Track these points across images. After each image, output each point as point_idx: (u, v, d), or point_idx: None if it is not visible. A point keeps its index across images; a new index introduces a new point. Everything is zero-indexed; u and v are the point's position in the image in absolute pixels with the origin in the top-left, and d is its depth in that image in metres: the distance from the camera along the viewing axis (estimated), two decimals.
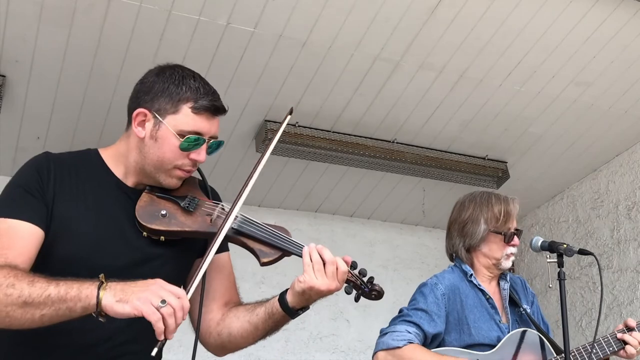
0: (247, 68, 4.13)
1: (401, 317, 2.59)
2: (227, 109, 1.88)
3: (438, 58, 4.17)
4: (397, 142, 4.89)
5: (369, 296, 1.81)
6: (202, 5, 3.70)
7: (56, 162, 1.80)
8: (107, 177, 1.83)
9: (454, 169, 5.04)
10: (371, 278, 1.84)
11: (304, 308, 1.82)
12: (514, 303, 2.75)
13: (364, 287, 1.80)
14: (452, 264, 2.82)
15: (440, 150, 5.01)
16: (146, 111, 1.80)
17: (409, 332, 2.49)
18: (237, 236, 1.80)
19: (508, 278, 2.78)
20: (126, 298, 1.53)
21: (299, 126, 4.64)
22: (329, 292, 1.77)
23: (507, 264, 2.72)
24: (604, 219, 5.22)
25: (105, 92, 4.22)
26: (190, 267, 1.86)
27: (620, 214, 5.09)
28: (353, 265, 1.84)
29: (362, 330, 5.56)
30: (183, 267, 1.80)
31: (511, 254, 2.71)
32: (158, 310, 1.51)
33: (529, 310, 2.74)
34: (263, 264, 1.81)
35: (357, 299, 1.82)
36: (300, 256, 1.81)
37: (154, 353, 1.54)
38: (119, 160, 1.84)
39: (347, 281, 1.80)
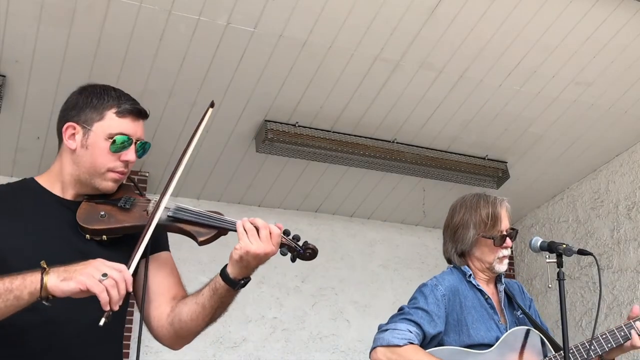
0: (247, 68, 4.13)
1: (402, 314, 2.59)
2: (148, 113, 1.99)
3: (438, 58, 4.17)
4: (397, 142, 4.89)
5: (304, 256, 1.92)
6: (202, 5, 3.71)
7: None
8: (46, 197, 1.93)
9: (454, 169, 5.04)
10: (306, 241, 1.95)
11: (245, 279, 1.88)
12: (511, 306, 2.75)
13: (298, 249, 1.91)
14: (451, 265, 2.82)
15: (440, 150, 5.01)
16: (74, 124, 1.91)
17: (410, 332, 2.49)
18: (173, 223, 1.90)
19: (503, 281, 2.78)
20: (70, 276, 1.62)
21: (299, 126, 4.64)
22: (266, 256, 1.85)
23: (500, 267, 2.68)
24: (604, 219, 5.23)
25: None
26: (136, 268, 1.91)
27: (620, 214, 5.09)
28: (286, 232, 1.93)
29: (362, 330, 5.56)
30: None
31: (504, 256, 2.67)
32: (101, 283, 1.60)
33: (527, 311, 2.74)
34: (201, 243, 1.89)
35: (293, 260, 1.93)
36: (235, 231, 1.88)
37: (101, 323, 1.61)
38: (55, 180, 1.95)
39: (282, 245, 1.90)
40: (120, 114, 1.91)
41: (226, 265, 1.89)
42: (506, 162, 5.19)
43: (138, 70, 4.09)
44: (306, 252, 1.92)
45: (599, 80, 4.39)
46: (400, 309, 2.64)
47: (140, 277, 1.93)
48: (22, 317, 1.68)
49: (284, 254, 1.92)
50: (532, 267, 5.77)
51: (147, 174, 5.03)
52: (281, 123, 4.61)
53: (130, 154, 1.92)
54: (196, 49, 3.96)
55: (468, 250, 2.72)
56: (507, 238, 2.68)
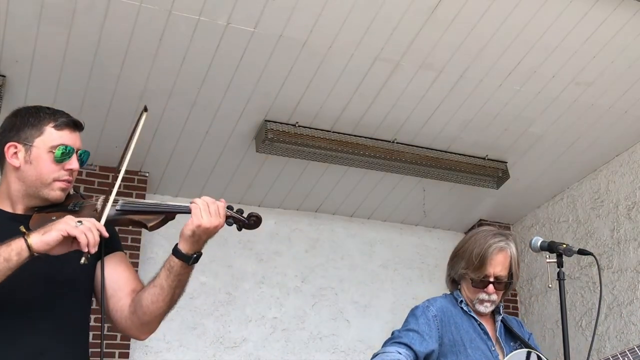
0: (247, 68, 4.13)
1: (392, 339, 2.61)
2: (83, 124, 2.12)
3: (438, 58, 4.17)
4: (397, 142, 4.89)
5: (249, 224, 2.01)
6: (202, 5, 3.71)
7: None
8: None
9: (454, 169, 5.04)
10: (250, 212, 2.04)
11: (197, 254, 1.98)
12: (509, 337, 2.74)
13: (243, 219, 2.01)
14: (446, 292, 2.83)
15: (440, 150, 5.01)
16: (15, 143, 2.01)
17: (399, 353, 2.50)
18: (123, 216, 2.01)
19: (501, 312, 2.76)
20: (49, 229, 1.77)
21: (299, 126, 4.64)
22: (215, 229, 1.96)
23: (481, 308, 2.63)
24: (604, 219, 5.23)
25: (105, 92, 4.22)
26: (94, 269, 2.06)
27: (620, 214, 5.09)
28: (230, 207, 2.04)
29: (362, 330, 5.57)
30: (85, 266, 1.93)
31: (484, 300, 2.62)
32: (78, 227, 1.78)
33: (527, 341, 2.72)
34: (150, 228, 2.01)
35: (239, 229, 2.03)
36: (183, 212, 2.02)
37: (82, 261, 1.76)
38: (3, 198, 2.04)
39: (227, 217, 2.00)
40: (58, 127, 2.04)
41: (177, 243, 1.99)
42: (506, 162, 5.19)
43: (138, 70, 4.09)
44: (250, 220, 2.01)
45: (599, 80, 4.39)
46: (392, 333, 2.65)
47: (98, 278, 2.03)
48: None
49: (229, 224, 2.01)
50: (532, 267, 5.77)
51: (147, 174, 5.03)
52: (281, 123, 4.61)
53: (73, 163, 2.02)
54: (196, 49, 3.96)
55: (458, 281, 2.73)
56: (490, 285, 2.61)
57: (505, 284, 2.66)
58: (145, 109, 2.16)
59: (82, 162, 2.06)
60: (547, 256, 2.54)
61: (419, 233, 6.04)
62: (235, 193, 5.36)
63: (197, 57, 4.03)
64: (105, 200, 1.97)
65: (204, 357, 5.13)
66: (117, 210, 1.99)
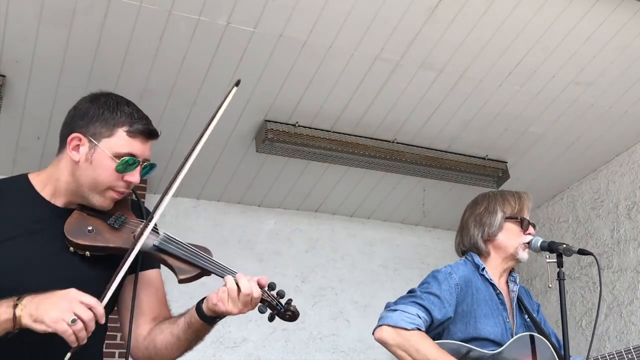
0: (247, 68, 4.13)
1: (413, 297, 2.55)
2: (159, 133, 1.94)
3: (438, 58, 4.17)
4: (397, 142, 4.89)
5: (283, 316, 1.85)
6: (202, 5, 3.71)
7: None
8: (35, 200, 1.88)
9: (454, 169, 5.04)
10: (289, 300, 1.86)
11: (221, 316, 1.85)
12: (520, 309, 2.75)
13: (279, 308, 1.84)
14: (464, 258, 2.81)
15: (440, 150, 5.01)
16: (81, 135, 1.85)
17: (419, 317, 2.46)
18: (158, 253, 1.85)
19: (518, 281, 2.78)
20: (41, 317, 1.60)
21: (299, 126, 4.64)
22: (240, 313, 1.83)
23: (523, 255, 2.73)
24: (604, 219, 5.22)
25: None
26: (121, 284, 1.90)
27: (620, 214, 5.09)
28: (271, 286, 1.86)
29: (362, 330, 5.56)
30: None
31: (527, 244, 2.72)
32: (70, 327, 1.60)
33: (535, 317, 2.73)
34: (180, 281, 1.84)
35: (270, 319, 1.87)
36: (219, 275, 1.84)
37: (66, 358, 1.62)
38: (48, 183, 1.90)
39: (262, 301, 1.85)
40: (131, 133, 1.86)
41: (202, 299, 1.86)
42: (506, 162, 5.19)
43: (138, 70, 4.09)
44: (286, 314, 1.86)
45: (599, 80, 4.39)
46: (411, 291, 2.61)
47: (124, 294, 1.91)
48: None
49: (261, 312, 1.86)
50: (532, 267, 5.77)
51: None
52: (281, 123, 4.61)
53: (135, 176, 1.87)
54: (196, 49, 3.96)
55: (493, 236, 2.72)
56: (531, 226, 2.75)
57: (534, 227, 2.81)
58: (237, 84, 2.00)
59: (145, 175, 1.92)
60: (547, 256, 2.56)
61: (419, 233, 6.05)
62: (235, 193, 5.36)
63: (197, 57, 4.03)
64: (140, 233, 1.79)
65: (204, 357, 5.12)
66: (154, 245, 1.84)
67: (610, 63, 4.24)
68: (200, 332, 1.87)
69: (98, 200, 1.86)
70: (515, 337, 2.60)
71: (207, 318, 1.83)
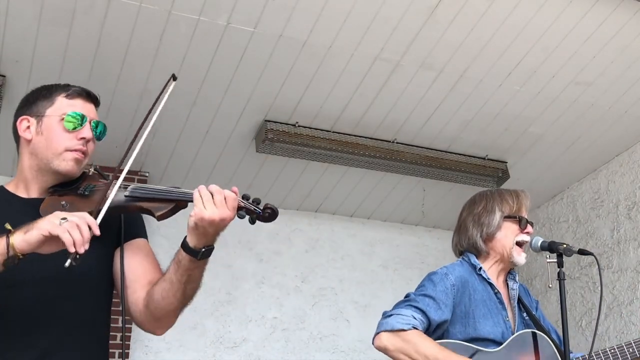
0: (247, 68, 4.13)
1: (408, 301, 2.57)
2: (98, 97, 2.04)
3: (438, 58, 4.17)
4: (397, 142, 4.89)
5: (263, 217, 1.89)
6: (202, 5, 3.70)
7: None
8: (12, 201, 1.94)
9: (454, 169, 5.04)
10: (266, 203, 1.93)
11: (207, 247, 1.83)
12: (519, 306, 2.75)
13: (257, 211, 1.88)
14: (460, 258, 2.81)
15: (440, 150, 5.01)
16: (27, 117, 1.98)
17: (415, 318, 2.47)
18: (133, 203, 1.89)
19: (517, 279, 2.78)
20: (32, 227, 1.66)
21: (299, 126, 4.64)
22: (222, 221, 1.80)
23: (519, 258, 2.71)
24: (604, 219, 5.22)
25: (105, 92, 4.20)
26: (112, 258, 1.95)
27: (620, 214, 5.09)
28: (245, 197, 1.91)
29: (362, 330, 5.56)
30: (103, 256, 1.89)
31: (524, 241, 2.72)
32: (61, 226, 1.64)
33: (534, 314, 2.73)
34: (159, 218, 1.87)
35: (252, 222, 1.91)
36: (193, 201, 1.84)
37: (66, 264, 1.62)
38: (19, 181, 1.98)
39: (239, 208, 1.87)
40: (69, 96, 1.97)
41: (186, 236, 1.86)
42: (506, 162, 5.19)
43: (138, 70, 4.09)
44: (265, 212, 1.89)
45: (599, 80, 4.39)
46: (407, 295, 2.63)
47: (117, 266, 1.93)
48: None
49: (241, 217, 1.88)
50: (532, 267, 5.76)
51: (147, 174, 5.03)
52: (281, 123, 4.61)
53: (85, 131, 1.94)
54: (196, 49, 3.96)
55: (492, 235, 2.72)
56: (529, 225, 2.76)
57: (532, 225, 2.81)
58: (174, 78, 2.11)
59: (97, 134, 1.98)
60: (547, 256, 2.55)
61: (419, 233, 6.04)
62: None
63: (197, 57, 4.03)
64: (109, 187, 1.85)
65: (204, 357, 5.12)
66: (125, 196, 1.88)
67: (610, 63, 4.24)
68: (192, 271, 1.84)
69: (60, 165, 1.92)
70: (516, 334, 2.60)
71: (192, 250, 1.81)
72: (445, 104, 4.55)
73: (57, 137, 1.92)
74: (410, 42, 4.04)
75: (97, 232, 1.67)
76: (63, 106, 1.95)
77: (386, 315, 2.56)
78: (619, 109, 4.65)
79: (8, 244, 1.65)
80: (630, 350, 2.58)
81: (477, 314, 2.59)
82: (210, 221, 1.78)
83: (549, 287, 2.98)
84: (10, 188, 1.98)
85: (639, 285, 4.88)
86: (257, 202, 1.91)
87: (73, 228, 1.63)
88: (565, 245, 2.51)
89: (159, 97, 2.03)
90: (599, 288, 4.42)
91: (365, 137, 4.82)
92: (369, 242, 5.89)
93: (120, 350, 5.08)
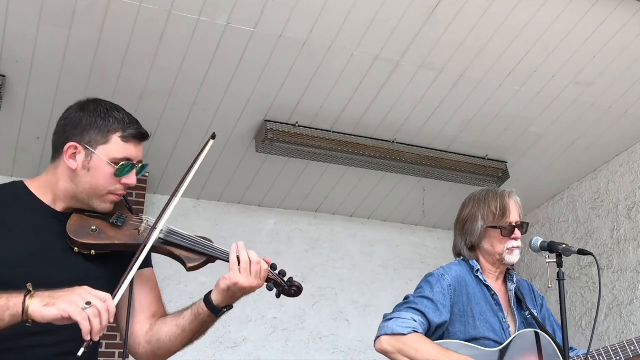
0: (247, 68, 4.13)
1: (407, 304, 2.58)
2: (150, 135, 2.00)
3: (438, 58, 4.17)
4: (397, 142, 4.89)
5: (289, 292, 1.94)
6: (202, 5, 3.71)
7: None
8: (35, 205, 1.91)
9: (454, 169, 5.04)
10: (290, 277, 1.97)
11: (228, 307, 1.92)
12: (521, 306, 2.74)
13: (284, 285, 1.93)
14: (458, 258, 2.80)
15: (440, 150, 5.01)
16: (76, 144, 1.89)
17: (415, 321, 2.48)
18: (164, 246, 1.91)
19: (515, 280, 2.77)
20: (53, 302, 1.61)
21: (299, 126, 4.64)
22: (252, 290, 1.88)
23: (511, 258, 2.67)
24: (604, 219, 5.23)
25: (105, 92, 4.22)
26: (118, 281, 1.91)
27: (620, 214, 5.09)
28: (273, 267, 1.96)
29: (362, 330, 5.57)
30: (115, 282, 1.87)
31: (514, 247, 2.67)
32: (84, 312, 1.59)
33: (535, 314, 2.73)
34: (189, 269, 1.91)
35: (278, 296, 1.96)
36: (225, 260, 1.91)
37: (80, 353, 1.60)
38: (47, 189, 1.94)
39: (268, 279, 1.93)
40: (125, 138, 1.90)
41: (210, 291, 1.91)
42: (506, 162, 5.19)
43: (138, 70, 4.09)
44: (291, 289, 1.94)
45: (599, 80, 4.39)
46: (406, 298, 2.63)
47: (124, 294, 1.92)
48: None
49: (270, 289, 1.94)
50: (532, 267, 5.77)
51: (147, 174, 5.03)
52: (281, 123, 4.61)
53: (131, 178, 1.92)
54: (196, 49, 3.96)
55: (477, 243, 2.71)
56: (517, 229, 2.68)
57: (526, 226, 2.74)
58: (214, 137, 2.05)
59: (139, 174, 1.97)
60: (547, 256, 2.55)
61: (419, 233, 6.05)
62: (235, 193, 5.36)
63: (197, 57, 4.03)
64: (152, 230, 1.84)
65: (204, 357, 5.12)
66: (160, 238, 1.90)
67: (610, 63, 4.24)
68: (206, 323, 1.91)
69: (99, 205, 1.91)
70: (517, 334, 2.60)
71: (215, 308, 1.88)
72: (445, 104, 4.55)
73: (103, 180, 1.89)
74: (410, 42, 4.04)
75: (112, 320, 1.66)
76: (117, 150, 1.89)
77: (386, 318, 2.57)
78: (619, 109, 4.65)
79: (24, 309, 1.61)
80: (632, 348, 2.58)
81: (476, 313, 2.59)
82: (242, 288, 1.87)
83: (548, 287, 2.98)
84: (36, 191, 1.94)
85: (639, 285, 4.88)
86: (283, 274, 1.97)
87: (95, 317, 1.60)
88: (564, 246, 2.51)
89: (198, 156, 1.99)
90: (599, 288, 4.42)
91: (365, 137, 4.82)
92: (369, 242, 5.89)
93: (121, 350, 5.08)
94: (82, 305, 1.60)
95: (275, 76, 4.23)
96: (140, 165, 1.96)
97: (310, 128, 4.68)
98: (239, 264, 1.87)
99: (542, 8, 3.86)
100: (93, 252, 1.87)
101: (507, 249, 2.66)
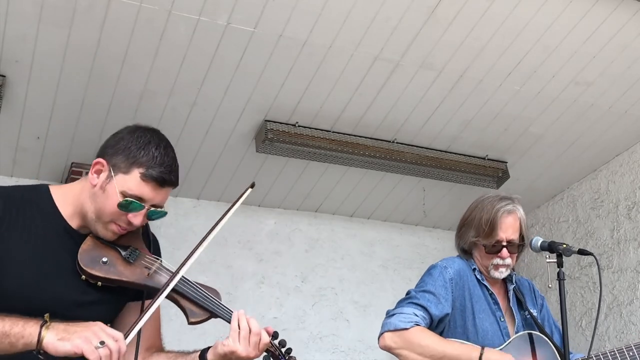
0: (247, 68, 4.13)
1: (409, 299, 2.58)
2: (177, 183, 1.94)
3: (438, 58, 4.17)
4: (397, 142, 4.89)
5: None
6: (202, 5, 3.70)
7: (4, 199, 1.86)
8: (54, 217, 1.90)
9: (454, 169, 5.04)
10: (289, 349, 1.98)
11: None
12: (521, 306, 2.74)
13: (281, 358, 1.94)
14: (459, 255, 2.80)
15: (440, 150, 5.01)
16: (104, 162, 1.89)
17: (416, 315, 2.48)
18: (173, 294, 1.90)
19: (514, 280, 2.76)
20: (68, 337, 1.63)
21: (299, 126, 4.64)
22: (248, 358, 1.88)
23: (497, 274, 2.63)
24: (604, 219, 5.22)
25: (105, 92, 4.22)
26: (120, 310, 1.96)
27: (620, 214, 5.09)
28: (274, 336, 1.97)
29: (362, 330, 5.56)
30: (116, 310, 1.90)
31: (499, 265, 2.63)
32: (97, 351, 1.62)
33: (535, 314, 2.73)
34: (190, 323, 1.92)
35: None
36: (227, 321, 1.91)
37: None
38: (69, 200, 1.92)
39: (267, 350, 1.93)
40: (144, 177, 1.87)
41: (207, 348, 1.92)
42: (506, 162, 5.19)
43: (138, 70, 4.09)
44: None
45: (599, 80, 4.39)
46: (408, 293, 2.63)
47: (122, 318, 1.94)
48: None
49: (265, 359, 1.96)
50: (532, 267, 5.76)
51: None
52: (281, 123, 4.61)
53: (137, 218, 1.88)
54: (196, 49, 3.96)
55: (469, 250, 2.72)
56: (504, 249, 2.62)
57: (518, 247, 2.66)
58: (252, 186, 2.04)
59: (153, 218, 1.93)
60: (547, 256, 2.55)
61: (419, 233, 6.04)
62: (235, 193, 5.33)
63: (197, 57, 4.03)
64: (170, 281, 1.83)
65: None
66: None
67: (610, 63, 4.24)
68: None
69: (100, 231, 1.89)
70: (516, 335, 2.60)
71: None
72: (445, 104, 4.55)
73: (109, 207, 1.86)
74: (410, 42, 4.04)
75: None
76: (132, 185, 1.86)
77: (389, 314, 2.57)
78: (619, 109, 4.65)
79: (39, 339, 1.63)
80: (631, 354, 2.57)
81: (476, 309, 2.59)
82: (238, 357, 1.87)
83: (549, 287, 2.98)
84: (58, 200, 1.92)
85: (639, 285, 4.88)
86: (282, 345, 1.98)
87: (106, 357, 1.63)
88: (565, 245, 2.51)
89: (235, 203, 2.03)
90: (599, 288, 4.42)
91: (365, 137, 4.82)
92: (369, 242, 5.89)
93: None
94: (95, 344, 1.62)
95: (275, 76, 4.23)
96: (153, 209, 1.90)
97: (310, 128, 4.68)
98: (238, 334, 1.86)
99: (542, 8, 3.85)
100: (99, 283, 1.86)
101: (493, 264, 2.64)
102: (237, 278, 5.37)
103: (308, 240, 5.71)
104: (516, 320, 2.67)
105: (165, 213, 1.94)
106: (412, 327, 2.46)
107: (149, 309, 1.80)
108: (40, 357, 1.63)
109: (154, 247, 2.04)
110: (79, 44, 3.87)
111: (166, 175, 1.89)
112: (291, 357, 1.95)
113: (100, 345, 1.62)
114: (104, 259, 1.85)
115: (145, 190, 1.86)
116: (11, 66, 4.00)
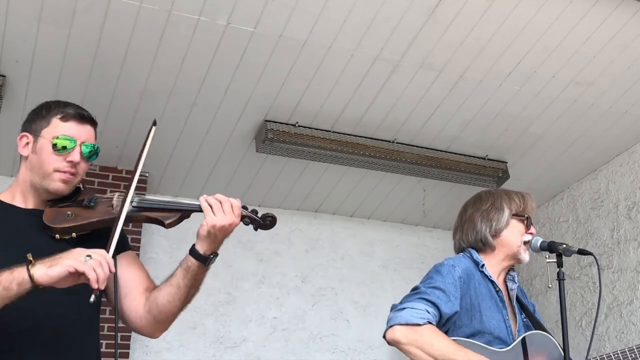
0: (247, 68, 4.13)
1: (418, 294, 2.50)
2: (95, 122, 2.11)
3: (438, 58, 4.17)
4: (397, 142, 4.89)
5: (264, 224, 2.03)
6: (202, 5, 3.71)
7: None
8: (8, 212, 2.01)
9: (454, 169, 5.04)
10: (265, 213, 2.08)
11: (214, 254, 2.01)
12: (521, 307, 2.74)
13: (258, 220, 2.04)
14: (462, 253, 2.79)
15: (440, 150, 5.01)
16: (27, 133, 2.10)
17: (428, 312, 2.43)
18: (140, 213, 2.04)
19: (517, 280, 2.78)
20: (56, 262, 1.71)
21: (299, 126, 4.64)
22: (230, 227, 1.99)
23: (525, 256, 2.74)
24: (604, 219, 5.22)
25: (105, 92, 4.22)
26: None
27: (620, 214, 5.09)
28: (245, 207, 2.08)
29: (362, 330, 5.57)
30: None
31: (527, 242, 2.73)
32: (86, 263, 1.71)
33: (535, 316, 2.73)
34: (168, 226, 2.04)
35: (255, 229, 2.06)
36: (198, 211, 2.06)
37: (91, 300, 1.70)
38: (16, 191, 2.07)
39: (242, 217, 2.04)
40: (64, 118, 2.04)
41: (194, 244, 2.02)
42: (506, 162, 5.19)
43: (138, 70, 4.09)
44: (266, 220, 2.04)
45: (599, 80, 4.39)
46: (415, 288, 2.56)
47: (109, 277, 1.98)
48: (6, 320, 1.77)
49: (246, 224, 2.04)
50: (532, 267, 5.77)
51: (147, 174, 5.03)
52: (281, 123, 4.61)
53: (73, 155, 2.01)
54: (196, 49, 3.96)
55: (500, 232, 2.73)
56: (532, 226, 2.78)
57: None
58: (154, 123, 2.18)
59: (87, 156, 2.05)
60: (547, 256, 2.55)
61: (419, 233, 6.05)
62: (235, 193, 5.34)
63: (197, 57, 4.03)
64: (122, 203, 1.96)
65: (204, 357, 5.13)
66: (133, 206, 2.01)
67: (610, 63, 4.24)
68: (197, 276, 1.99)
69: (50, 184, 2.00)
70: (526, 334, 2.59)
71: (202, 257, 1.98)
72: (445, 104, 4.55)
73: (47, 159, 2.01)
74: (410, 42, 4.04)
75: (113, 269, 1.77)
76: (56, 129, 2.03)
77: (397, 308, 2.49)
78: (619, 109, 4.65)
79: (30, 276, 1.69)
80: (633, 355, 2.57)
81: (483, 307, 2.57)
82: (220, 227, 1.98)
83: (548, 287, 2.99)
84: (6, 199, 2.05)
85: (639, 285, 4.88)
86: (255, 212, 2.07)
87: (98, 266, 1.71)
88: (564, 245, 2.51)
89: (144, 145, 2.14)
90: (599, 288, 4.42)
91: (365, 137, 4.82)
92: (369, 242, 5.89)
93: (121, 350, 5.07)
94: (83, 259, 1.70)
95: (275, 76, 4.23)
96: (85, 143, 2.03)
97: (310, 128, 4.68)
98: (211, 209, 2.00)
99: (542, 8, 3.86)
100: (74, 234, 1.96)
101: (524, 241, 2.72)
102: (237, 278, 5.37)
103: (308, 240, 5.71)
104: (517, 320, 2.67)
105: (97, 146, 2.09)
106: (425, 324, 2.40)
107: (119, 218, 1.90)
108: (40, 292, 1.69)
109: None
110: (79, 43, 3.87)
111: (81, 110, 2.07)
112: (267, 214, 2.03)
113: (89, 258, 1.70)
114: (68, 213, 1.98)
115: (69, 128, 2.03)
116: (11, 66, 4.01)
